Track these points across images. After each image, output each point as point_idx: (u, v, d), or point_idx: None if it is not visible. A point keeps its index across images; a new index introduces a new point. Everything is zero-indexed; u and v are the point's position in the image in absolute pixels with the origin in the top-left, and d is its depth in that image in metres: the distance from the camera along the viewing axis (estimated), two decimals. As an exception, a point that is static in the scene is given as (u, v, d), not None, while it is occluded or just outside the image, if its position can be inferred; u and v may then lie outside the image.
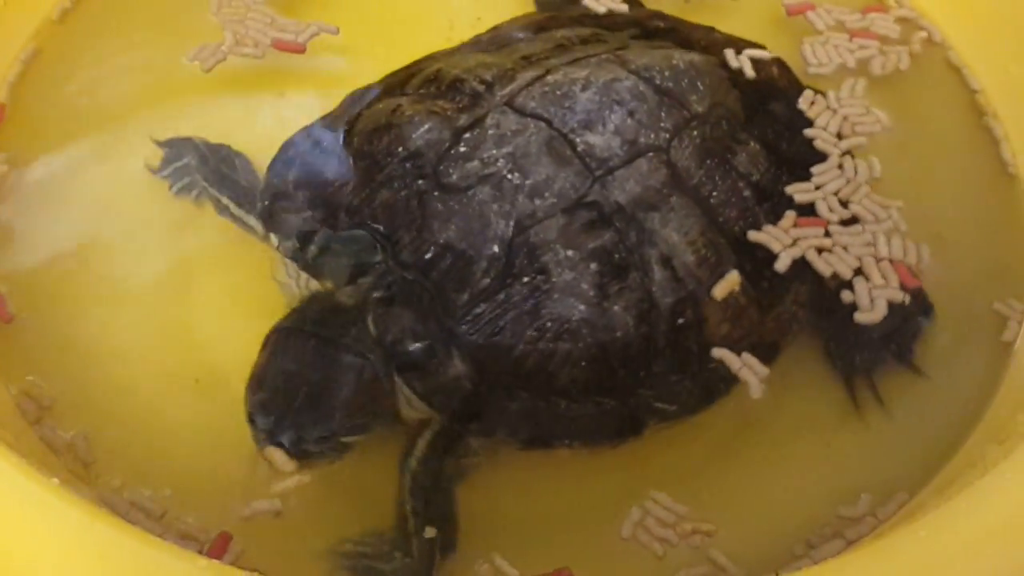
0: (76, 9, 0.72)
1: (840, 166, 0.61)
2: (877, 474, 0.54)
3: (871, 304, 0.56)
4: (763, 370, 0.53)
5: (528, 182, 0.52)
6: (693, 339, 0.53)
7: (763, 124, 0.61)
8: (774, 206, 0.57)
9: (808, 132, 0.62)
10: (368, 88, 0.62)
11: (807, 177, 0.60)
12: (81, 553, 0.40)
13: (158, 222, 0.64)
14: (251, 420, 0.50)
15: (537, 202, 0.52)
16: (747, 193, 0.57)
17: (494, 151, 0.53)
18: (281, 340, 0.51)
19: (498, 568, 0.51)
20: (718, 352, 0.53)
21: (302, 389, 0.50)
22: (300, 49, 0.69)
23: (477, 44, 0.65)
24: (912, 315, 0.58)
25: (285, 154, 0.59)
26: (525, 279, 0.51)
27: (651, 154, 0.54)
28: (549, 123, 0.54)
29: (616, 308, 0.51)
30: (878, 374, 0.58)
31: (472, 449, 0.54)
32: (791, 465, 0.56)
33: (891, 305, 0.56)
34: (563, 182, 0.53)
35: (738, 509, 0.54)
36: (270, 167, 0.59)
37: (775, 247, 0.55)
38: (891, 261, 0.57)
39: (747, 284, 0.55)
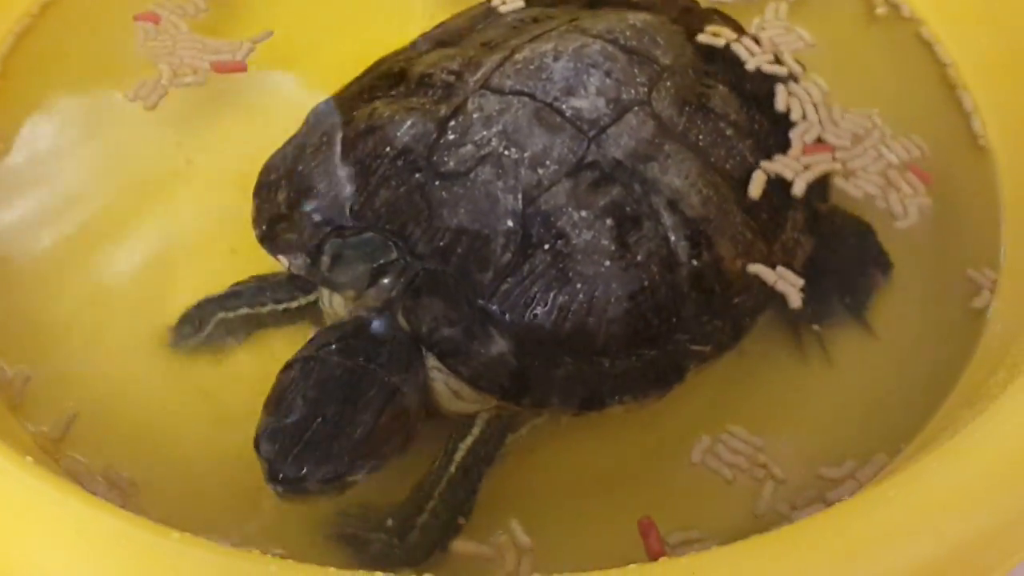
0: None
1: (791, 94, 0.63)
2: (857, 437, 0.55)
3: (905, 212, 0.59)
4: (798, 280, 0.55)
5: (527, 154, 0.53)
6: (713, 277, 0.54)
7: (723, 69, 0.62)
8: (757, 142, 0.59)
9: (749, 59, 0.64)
10: (330, 100, 0.61)
11: (774, 112, 0.61)
12: (54, 527, 0.39)
13: (148, 207, 0.63)
14: (256, 447, 0.47)
15: (540, 171, 0.52)
16: (729, 132, 0.58)
17: (484, 132, 0.54)
18: (303, 366, 0.49)
19: (512, 534, 0.50)
20: (754, 268, 0.54)
21: (316, 421, 0.47)
22: (241, 67, 0.67)
23: (428, 41, 0.65)
24: (870, 271, 0.60)
25: (268, 178, 0.58)
26: (545, 246, 0.51)
27: (636, 108, 0.55)
28: (532, 96, 0.55)
29: (639, 258, 0.52)
30: (828, 324, 0.59)
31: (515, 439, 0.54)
32: (774, 428, 0.56)
33: (850, 259, 0.59)
34: (560, 148, 0.53)
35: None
36: (256, 194, 0.58)
37: (787, 174, 0.57)
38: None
39: (749, 218, 0.56)
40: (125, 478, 0.53)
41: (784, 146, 0.60)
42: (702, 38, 0.63)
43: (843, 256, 0.60)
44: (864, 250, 0.60)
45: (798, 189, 0.57)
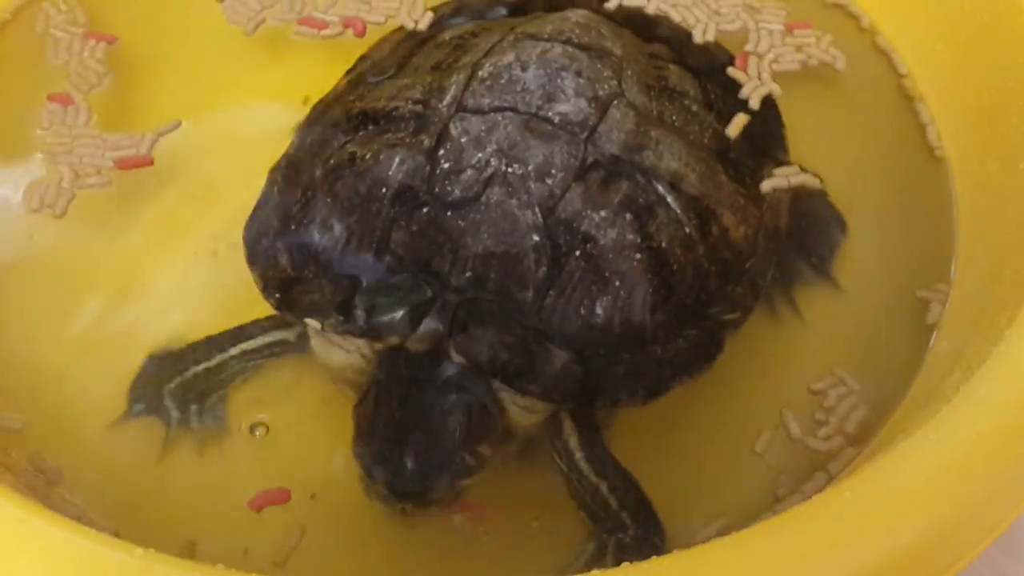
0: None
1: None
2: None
3: (833, 57, 0.67)
4: (795, 167, 0.60)
5: (530, 168, 0.53)
6: (726, 248, 0.56)
7: (663, 49, 0.65)
8: (719, 112, 0.61)
9: None
10: (288, 155, 0.60)
11: (720, 79, 0.65)
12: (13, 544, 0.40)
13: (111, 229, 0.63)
14: (368, 474, 0.49)
15: (549, 181, 0.53)
16: (694, 108, 0.60)
17: (480, 155, 0.53)
18: (382, 392, 0.50)
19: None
20: (767, 184, 0.59)
21: (415, 436, 0.49)
22: (147, 162, 0.64)
23: (369, 76, 0.64)
24: (829, 229, 0.63)
25: (258, 246, 0.56)
26: (576, 253, 0.51)
27: (615, 102, 0.56)
28: (514, 110, 0.55)
29: (663, 244, 0.53)
30: (797, 287, 0.61)
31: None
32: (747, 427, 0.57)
33: (808, 221, 0.62)
34: (560, 155, 0.53)
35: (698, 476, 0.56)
36: (253, 263, 0.56)
37: (750, 87, 0.64)
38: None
39: (738, 185, 0.58)
40: (51, 465, 0.53)
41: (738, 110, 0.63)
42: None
43: (801, 218, 0.62)
44: (819, 210, 0.62)
45: (777, 87, 0.64)
